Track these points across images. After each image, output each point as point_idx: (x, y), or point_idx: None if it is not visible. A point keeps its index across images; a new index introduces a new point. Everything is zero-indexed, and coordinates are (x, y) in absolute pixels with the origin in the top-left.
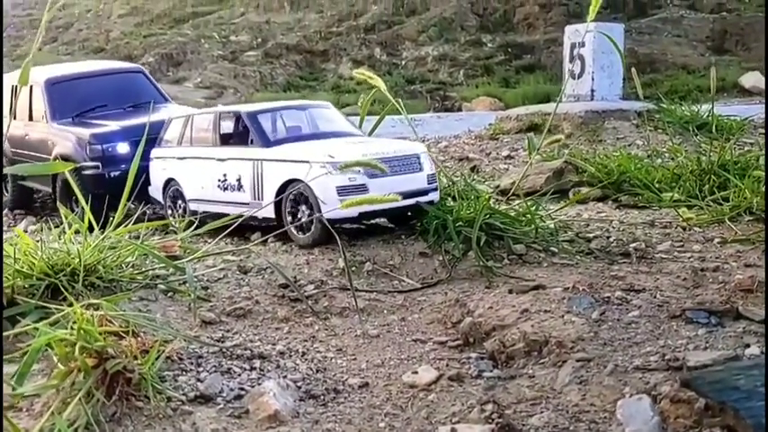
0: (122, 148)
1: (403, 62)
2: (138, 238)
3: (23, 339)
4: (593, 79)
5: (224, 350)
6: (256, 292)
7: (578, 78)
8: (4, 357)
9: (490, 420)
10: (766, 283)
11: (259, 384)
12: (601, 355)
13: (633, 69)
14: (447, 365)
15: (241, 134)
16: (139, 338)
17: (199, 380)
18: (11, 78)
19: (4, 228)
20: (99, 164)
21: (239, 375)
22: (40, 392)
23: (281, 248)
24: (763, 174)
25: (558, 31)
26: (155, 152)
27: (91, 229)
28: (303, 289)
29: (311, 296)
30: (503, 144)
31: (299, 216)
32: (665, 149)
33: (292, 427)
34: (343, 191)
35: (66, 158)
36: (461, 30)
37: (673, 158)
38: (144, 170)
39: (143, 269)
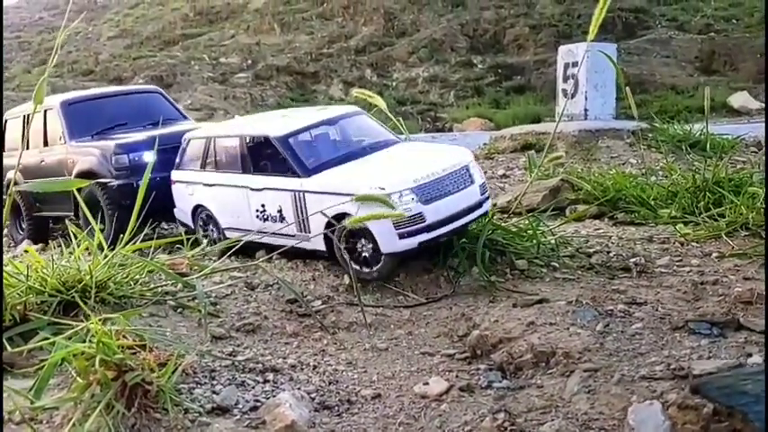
0: (149, 157)
1: (394, 83)
2: (146, 255)
3: (36, 354)
4: (586, 99)
5: (236, 364)
6: (264, 307)
7: (572, 98)
8: (18, 372)
9: (503, 429)
10: (766, 293)
11: (273, 396)
12: (607, 366)
13: (628, 89)
14: (457, 377)
15: (272, 157)
16: (154, 352)
17: (214, 392)
18: (22, 110)
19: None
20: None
21: (253, 388)
22: (59, 405)
23: (287, 265)
24: (758, 190)
25: (548, 53)
26: (176, 175)
27: (106, 246)
28: (311, 304)
29: (319, 311)
30: (498, 163)
31: (359, 249)
32: (658, 167)
33: None
34: (399, 224)
35: (89, 174)
36: (452, 51)
37: (667, 176)
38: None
39: (152, 286)
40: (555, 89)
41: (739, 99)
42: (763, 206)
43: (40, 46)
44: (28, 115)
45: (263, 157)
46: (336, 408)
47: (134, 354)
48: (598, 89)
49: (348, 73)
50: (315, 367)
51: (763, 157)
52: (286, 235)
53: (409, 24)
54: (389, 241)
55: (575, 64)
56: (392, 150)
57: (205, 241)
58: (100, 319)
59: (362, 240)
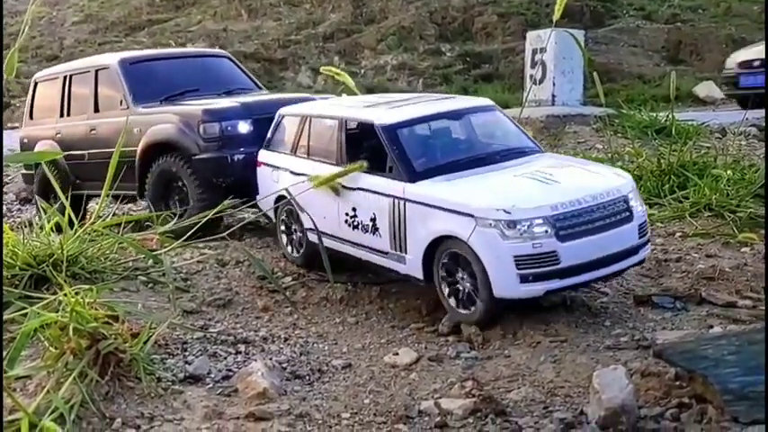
0: (243, 127)
1: (362, 71)
2: (118, 231)
3: (8, 328)
4: (554, 84)
5: (208, 336)
6: (235, 283)
7: (539, 84)
8: None
9: (471, 395)
10: (766, 272)
11: (245, 366)
12: (573, 337)
13: (595, 74)
14: (426, 348)
15: (375, 150)
16: (127, 324)
17: (187, 362)
18: (56, 71)
19: None
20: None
21: (225, 358)
22: (33, 373)
23: (257, 243)
24: (722, 173)
25: (516, 41)
26: (263, 156)
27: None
28: (281, 281)
29: (289, 287)
30: None
31: (457, 285)
32: (625, 152)
33: (281, 404)
34: (523, 263)
35: (166, 144)
36: (420, 39)
37: (633, 161)
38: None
39: (123, 261)
40: (523, 77)
41: (705, 89)
42: (728, 188)
43: (4, 30)
44: (68, 76)
45: (363, 149)
46: (308, 377)
47: (107, 324)
48: (566, 75)
49: (316, 60)
50: (286, 339)
51: (728, 143)
52: (377, 250)
53: (378, 11)
54: (506, 283)
55: (543, 50)
56: (529, 162)
57: (285, 239)
58: (73, 290)
59: (461, 273)
